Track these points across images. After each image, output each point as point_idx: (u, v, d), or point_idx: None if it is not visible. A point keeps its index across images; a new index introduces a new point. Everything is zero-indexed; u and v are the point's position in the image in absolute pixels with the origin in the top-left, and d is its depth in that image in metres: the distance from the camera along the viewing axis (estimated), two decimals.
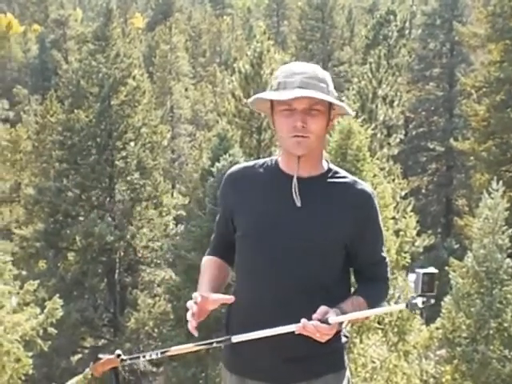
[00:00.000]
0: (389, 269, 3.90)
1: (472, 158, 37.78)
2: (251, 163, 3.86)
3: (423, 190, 44.57)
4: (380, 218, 3.82)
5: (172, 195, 41.79)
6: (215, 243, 3.97)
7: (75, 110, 36.16)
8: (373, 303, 3.65)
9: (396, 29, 50.87)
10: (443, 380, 18.54)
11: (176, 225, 37.28)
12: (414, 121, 45.23)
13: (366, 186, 3.76)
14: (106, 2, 41.13)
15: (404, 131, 38.73)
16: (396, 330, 20.41)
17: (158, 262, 36.44)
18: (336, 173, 3.75)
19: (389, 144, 31.59)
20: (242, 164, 3.91)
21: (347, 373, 3.87)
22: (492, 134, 36.26)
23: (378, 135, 31.41)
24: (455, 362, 18.14)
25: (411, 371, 19.08)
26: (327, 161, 3.79)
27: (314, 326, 3.38)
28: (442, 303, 19.24)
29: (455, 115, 44.12)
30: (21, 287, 14.98)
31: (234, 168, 3.90)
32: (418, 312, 14.59)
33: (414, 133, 44.46)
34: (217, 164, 30.84)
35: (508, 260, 18.55)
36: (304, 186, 3.66)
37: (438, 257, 36.93)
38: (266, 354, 3.69)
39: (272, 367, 3.71)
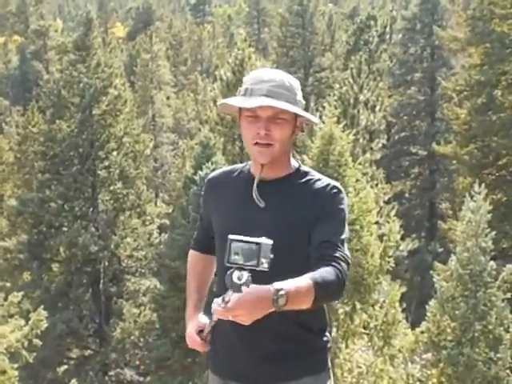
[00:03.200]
0: (344, 257, 3.56)
1: (454, 161, 37.92)
2: (229, 168, 3.92)
3: (406, 195, 44.65)
4: (345, 212, 3.72)
5: (155, 204, 41.84)
6: (199, 235, 4.04)
7: (57, 121, 36.16)
8: (315, 281, 3.34)
9: (376, 34, 51.05)
10: (429, 383, 18.58)
11: (160, 233, 37.28)
12: (396, 125, 45.32)
13: (332, 181, 3.74)
14: (86, 12, 41.10)
15: (386, 136, 38.85)
16: (381, 334, 20.46)
17: (143, 271, 36.42)
18: (305, 173, 3.76)
19: (371, 149, 31.66)
20: (222, 169, 3.98)
21: (329, 376, 3.84)
22: (474, 138, 36.37)
23: (361, 140, 31.47)
24: (441, 365, 18.18)
25: (397, 375, 19.12)
26: (298, 162, 3.81)
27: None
28: (427, 307, 19.31)
29: (437, 119, 44.26)
30: (5, 299, 14.94)
31: (213, 173, 3.97)
32: None
33: (396, 137, 44.56)
34: (200, 172, 30.84)
35: (491, 262, 18.59)
36: (269, 188, 3.69)
37: (422, 260, 37.07)
38: (242, 353, 3.70)
39: (249, 367, 3.70)
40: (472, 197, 19.67)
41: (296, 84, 3.70)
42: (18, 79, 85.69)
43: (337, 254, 3.53)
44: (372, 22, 51.93)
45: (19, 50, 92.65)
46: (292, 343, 3.63)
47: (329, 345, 3.82)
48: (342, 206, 3.70)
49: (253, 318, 3.18)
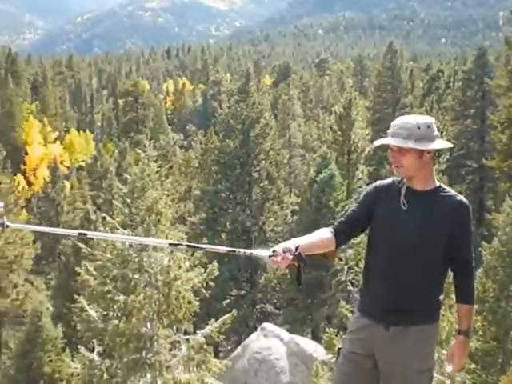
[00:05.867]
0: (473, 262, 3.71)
1: (497, 171, 36.74)
2: (392, 179, 3.75)
3: (463, 195, 43.39)
4: (471, 224, 3.68)
5: (289, 196, 41.81)
6: (339, 223, 3.76)
7: (226, 140, 36.61)
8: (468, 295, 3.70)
9: (444, 82, 49.91)
10: (475, 326, 17.91)
11: (292, 216, 37.30)
12: (456, 146, 44.09)
13: (463, 198, 3.64)
14: (246, 68, 41.46)
15: (449, 153, 37.58)
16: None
17: (280, 240, 36.49)
18: (443, 189, 3.63)
19: (439, 162, 30.76)
20: (387, 179, 3.80)
21: (438, 325, 3.74)
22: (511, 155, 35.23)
23: None
24: (484, 314, 17.51)
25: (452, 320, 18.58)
26: (439, 182, 3.68)
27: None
28: (476, 273, 18.70)
29: (486, 142, 42.82)
30: (192, 254, 15.18)
31: (381, 181, 3.80)
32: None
33: (456, 154, 43.13)
34: (320, 175, 30.70)
35: None
36: (415, 197, 3.58)
37: (473, 241, 35.93)
38: (383, 301, 3.60)
39: (383, 311, 3.59)
40: (510, 196, 19.16)
41: (416, 124, 3.50)
42: (201, 113, 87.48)
43: (471, 268, 3.68)
44: (440, 74, 50.80)
45: (202, 94, 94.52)
46: (420, 302, 3.56)
47: (441, 303, 3.70)
48: (471, 221, 3.68)
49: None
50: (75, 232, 3.81)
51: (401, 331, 3.54)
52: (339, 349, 3.83)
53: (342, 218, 3.77)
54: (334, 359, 3.99)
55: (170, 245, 4.20)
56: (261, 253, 3.42)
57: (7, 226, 3.45)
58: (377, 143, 3.61)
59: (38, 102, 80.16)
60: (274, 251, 3.37)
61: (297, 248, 3.39)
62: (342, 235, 3.69)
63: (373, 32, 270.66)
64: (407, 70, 69.19)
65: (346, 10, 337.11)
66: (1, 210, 3.43)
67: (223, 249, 3.66)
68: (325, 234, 3.70)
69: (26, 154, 63.02)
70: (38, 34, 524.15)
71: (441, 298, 3.65)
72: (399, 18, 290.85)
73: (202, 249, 3.84)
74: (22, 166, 60.70)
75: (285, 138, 53.42)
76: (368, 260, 3.72)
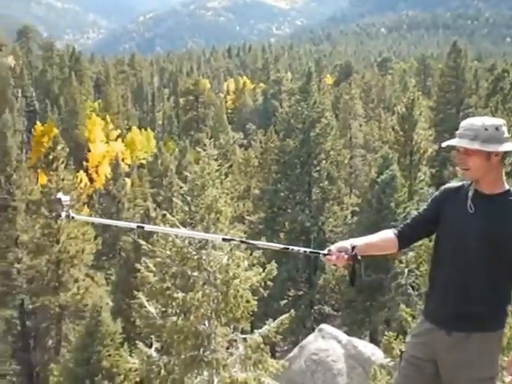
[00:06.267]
0: None
1: None
2: (460, 183, 3.70)
3: None
4: None
5: (349, 197, 41.51)
6: (404, 225, 3.75)
7: (286, 139, 36.56)
8: None
9: (509, 82, 48.56)
10: None
11: (352, 216, 36.99)
12: None
13: None
14: (307, 67, 41.26)
15: None
16: None
17: (339, 241, 36.24)
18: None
19: (504, 164, 30.03)
20: (457, 183, 3.74)
21: (502, 334, 3.63)
22: None
23: None
24: None
25: None
26: (508, 186, 3.59)
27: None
28: None
29: None
30: (250, 254, 15.22)
31: (450, 184, 3.77)
32: None
33: None
34: (381, 176, 30.33)
35: None
36: (483, 200, 3.50)
37: None
38: (446, 306, 3.54)
39: (446, 316, 3.53)
40: None
41: (484, 126, 3.43)
42: (261, 112, 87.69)
43: None
44: (506, 74, 49.55)
45: (263, 93, 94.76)
46: (484, 308, 3.47)
47: (506, 311, 3.59)
48: None
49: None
50: (134, 224, 4.32)
51: (463, 337, 3.47)
52: (402, 352, 3.82)
53: (408, 221, 3.75)
54: (398, 362, 3.98)
55: (224, 239, 4.39)
56: (315, 251, 3.52)
57: (72, 218, 3.89)
58: (444, 144, 3.57)
59: (100, 100, 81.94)
60: (329, 250, 3.46)
61: (353, 248, 3.46)
62: (406, 238, 3.68)
63: (436, 31, 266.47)
64: (471, 70, 67.73)
65: (409, 8, 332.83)
66: (68, 202, 3.80)
67: (277, 246, 3.74)
68: (387, 235, 3.69)
69: (89, 151, 64.45)
70: (101, 33, 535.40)
71: (507, 305, 3.55)
72: (463, 17, 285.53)
73: (254, 245, 3.95)
74: (85, 163, 62.14)
75: (346, 138, 53.05)
76: (433, 264, 3.68)
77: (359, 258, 3.44)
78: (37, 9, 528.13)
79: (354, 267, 3.45)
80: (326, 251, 3.47)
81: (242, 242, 4.15)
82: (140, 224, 4.15)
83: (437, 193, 3.73)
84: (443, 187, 3.74)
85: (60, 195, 3.85)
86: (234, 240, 4.11)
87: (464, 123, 3.48)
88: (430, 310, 3.64)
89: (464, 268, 3.45)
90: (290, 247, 3.67)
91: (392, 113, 53.59)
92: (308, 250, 3.63)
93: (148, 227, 4.32)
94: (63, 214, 3.82)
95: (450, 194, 3.65)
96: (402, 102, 38.28)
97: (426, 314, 3.68)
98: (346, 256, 3.45)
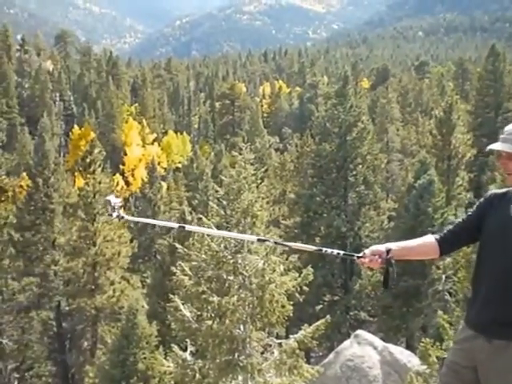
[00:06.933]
0: None
1: None
2: (505, 189, 3.62)
3: None
4: None
5: (386, 201, 41.20)
6: (446, 231, 3.70)
7: (322, 143, 36.45)
8: None
9: None
10: None
11: (389, 222, 36.70)
12: None
13: None
14: (344, 71, 41.12)
15: None
16: None
17: None
18: None
19: None
20: (503, 189, 3.67)
21: None
22: None
23: None
24: None
25: None
26: None
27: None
28: None
29: None
30: (286, 259, 15.23)
31: (496, 190, 3.70)
32: None
33: None
34: (418, 181, 30.06)
35: None
36: None
37: None
38: (487, 312, 3.48)
39: (487, 323, 3.48)
40: None
41: None
42: (297, 116, 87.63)
43: None
44: None
45: (299, 97, 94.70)
46: None
47: None
48: None
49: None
50: (176, 225, 4.71)
51: (504, 345, 3.41)
52: (438, 358, 3.82)
53: (451, 227, 3.70)
54: (434, 369, 3.96)
55: (259, 240, 4.57)
56: (349, 253, 3.60)
57: (122, 217, 4.24)
58: (487, 148, 3.53)
59: (137, 104, 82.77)
60: (363, 253, 3.49)
61: (388, 252, 3.44)
62: (448, 244, 3.64)
63: (474, 34, 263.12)
64: (510, 74, 66.78)
65: (446, 11, 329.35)
66: (119, 204, 4.18)
67: (310, 247, 3.78)
68: (428, 240, 3.66)
69: (125, 154, 65.10)
70: (138, 37, 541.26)
71: None
72: (501, 20, 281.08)
73: (288, 246, 4.02)
74: (121, 167, 62.77)
75: (382, 142, 52.71)
76: (476, 270, 3.63)
77: (393, 261, 3.44)
78: (75, 13, 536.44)
79: (387, 270, 3.45)
80: (360, 254, 3.51)
81: (276, 243, 4.34)
82: (182, 224, 4.42)
83: (482, 199, 3.67)
84: (488, 193, 3.68)
85: (110, 197, 4.21)
86: (268, 241, 4.24)
87: (508, 128, 3.44)
88: (471, 317, 3.59)
89: (506, 275, 3.39)
90: (324, 249, 3.69)
91: (429, 117, 53.15)
92: (342, 252, 3.66)
93: (189, 227, 4.55)
94: (114, 215, 4.17)
95: (494, 199, 3.59)
96: (439, 106, 38.00)
97: (468, 320, 3.63)
98: (379, 259, 3.45)
